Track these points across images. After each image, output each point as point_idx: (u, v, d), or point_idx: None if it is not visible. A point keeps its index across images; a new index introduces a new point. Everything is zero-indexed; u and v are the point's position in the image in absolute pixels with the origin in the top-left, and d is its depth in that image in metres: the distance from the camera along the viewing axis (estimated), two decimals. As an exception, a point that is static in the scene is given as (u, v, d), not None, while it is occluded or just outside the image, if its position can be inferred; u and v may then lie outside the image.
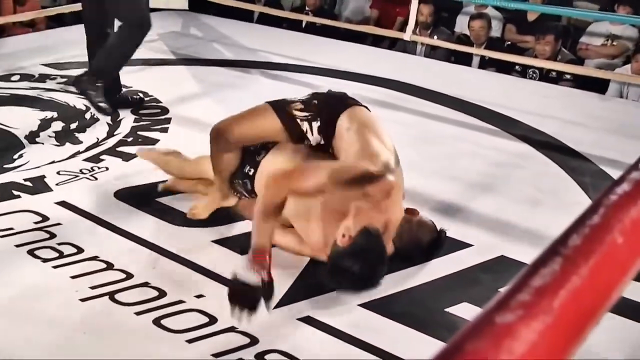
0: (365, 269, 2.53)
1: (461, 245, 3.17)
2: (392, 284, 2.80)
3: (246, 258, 2.57)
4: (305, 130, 3.02)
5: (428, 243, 2.91)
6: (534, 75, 6.26)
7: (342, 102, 3.06)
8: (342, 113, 2.98)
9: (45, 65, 5.54)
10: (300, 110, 3.02)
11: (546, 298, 0.67)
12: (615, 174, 4.10)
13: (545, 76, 6.21)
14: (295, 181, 2.66)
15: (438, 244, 2.95)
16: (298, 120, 3.01)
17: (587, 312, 0.71)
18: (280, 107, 3.05)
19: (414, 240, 2.84)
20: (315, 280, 2.79)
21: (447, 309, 2.73)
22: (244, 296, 2.43)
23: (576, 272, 0.71)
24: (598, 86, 5.96)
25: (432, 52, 6.80)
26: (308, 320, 2.58)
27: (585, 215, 0.80)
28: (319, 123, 3.00)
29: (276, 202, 2.62)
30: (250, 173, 3.10)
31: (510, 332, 0.63)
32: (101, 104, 4.54)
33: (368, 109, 3.10)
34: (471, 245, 3.20)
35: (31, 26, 6.84)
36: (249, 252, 2.57)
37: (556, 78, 6.14)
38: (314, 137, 3.02)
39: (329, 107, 3.02)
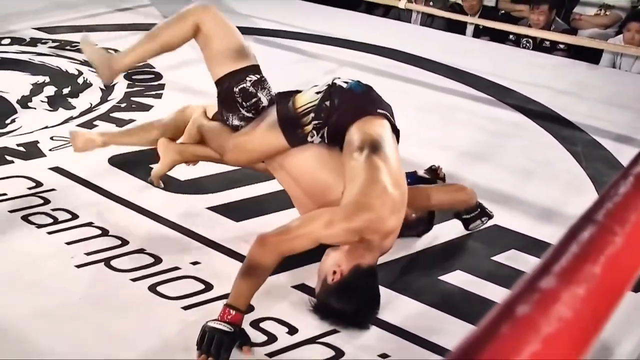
0: (353, 310, 2.39)
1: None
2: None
3: (222, 307, 2.29)
4: (311, 139, 2.74)
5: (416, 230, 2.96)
6: (528, 44, 6.25)
7: (357, 109, 2.71)
8: (354, 123, 2.66)
9: (36, 29, 5.49)
10: (312, 121, 2.73)
11: (588, 264, 0.69)
12: (607, 143, 4.12)
13: (539, 46, 6.20)
14: (287, 245, 2.35)
15: (426, 229, 3.00)
16: (307, 134, 2.74)
17: (625, 277, 0.74)
18: (290, 127, 2.75)
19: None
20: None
21: (440, 277, 2.75)
22: (217, 340, 2.19)
23: (613, 239, 0.73)
24: (591, 56, 5.96)
25: (429, 20, 6.77)
26: (303, 288, 2.60)
27: (617, 184, 0.81)
28: (326, 129, 2.72)
29: (263, 264, 2.31)
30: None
31: (555, 298, 0.65)
32: None
33: (388, 116, 2.75)
34: (465, 214, 3.22)
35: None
36: (227, 302, 2.29)
37: (550, 48, 6.13)
38: (314, 139, 2.73)
39: (341, 113, 2.70)
